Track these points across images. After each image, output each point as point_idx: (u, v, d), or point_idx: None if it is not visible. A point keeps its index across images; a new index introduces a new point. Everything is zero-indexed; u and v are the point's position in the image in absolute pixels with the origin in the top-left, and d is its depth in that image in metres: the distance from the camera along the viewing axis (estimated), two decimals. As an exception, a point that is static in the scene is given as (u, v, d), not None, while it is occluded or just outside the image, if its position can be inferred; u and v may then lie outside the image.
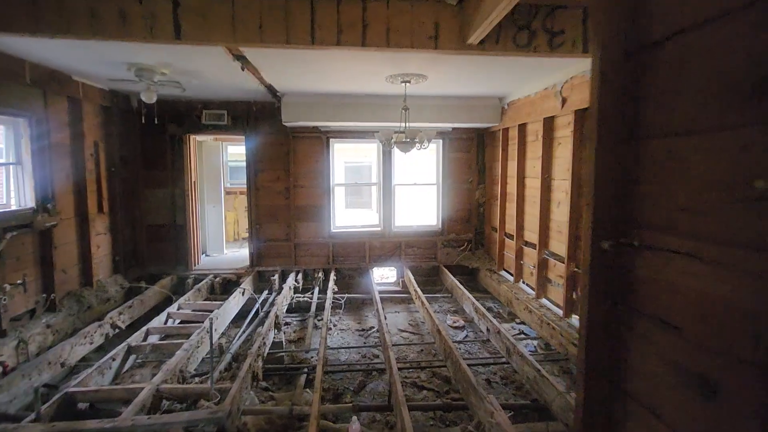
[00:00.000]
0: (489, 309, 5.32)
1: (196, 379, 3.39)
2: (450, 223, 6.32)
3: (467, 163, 6.27)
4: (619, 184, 0.97)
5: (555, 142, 4.21)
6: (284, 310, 4.73)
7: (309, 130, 5.77)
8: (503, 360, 3.77)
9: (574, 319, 4.00)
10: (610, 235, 1.01)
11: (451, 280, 5.61)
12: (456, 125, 5.79)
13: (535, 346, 4.23)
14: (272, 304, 4.69)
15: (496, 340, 3.96)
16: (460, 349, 4.21)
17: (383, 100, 5.20)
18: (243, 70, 3.65)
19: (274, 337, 3.93)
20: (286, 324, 4.77)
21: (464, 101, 5.38)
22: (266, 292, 5.31)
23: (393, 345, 4.14)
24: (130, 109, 5.04)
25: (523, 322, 4.71)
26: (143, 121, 4.86)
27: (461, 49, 2.69)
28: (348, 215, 11.94)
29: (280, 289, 5.16)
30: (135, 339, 3.55)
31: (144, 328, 3.74)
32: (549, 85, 4.09)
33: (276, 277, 5.48)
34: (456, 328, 4.80)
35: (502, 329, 3.83)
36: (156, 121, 5.17)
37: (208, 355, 3.73)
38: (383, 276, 7.01)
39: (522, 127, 4.90)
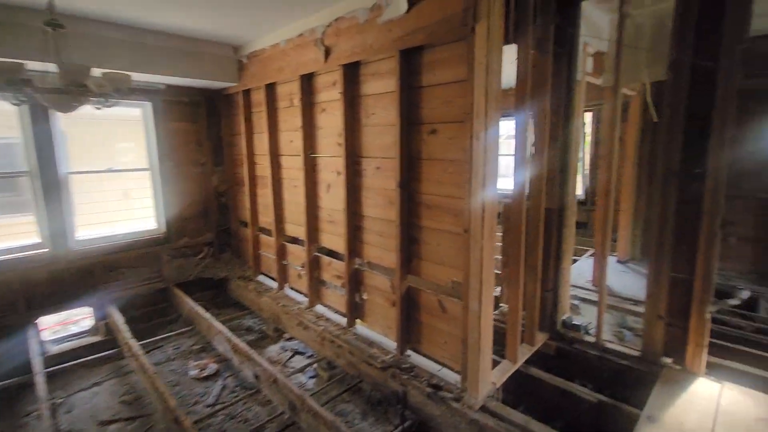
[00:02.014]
0: (249, 329, 4.03)
1: None
2: (180, 224, 4.46)
3: (196, 138, 4.52)
4: None
5: (317, 108, 3.24)
6: None
7: None
8: (286, 419, 2.63)
9: (360, 328, 3.29)
10: None
11: (190, 305, 3.91)
12: (172, 80, 3.93)
13: (315, 370, 3.31)
14: None
15: (272, 392, 2.75)
16: (218, 417, 2.76)
17: (10, 16, 2.77)
18: None
19: None
20: None
21: (183, 43, 3.61)
22: None
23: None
24: None
25: (292, 338, 3.71)
26: None
27: None
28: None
29: None
30: None
31: None
32: (306, 30, 3.03)
33: None
34: (205, 378, 3.26)
35: (279, 377, 2.65)
36: None
37: None
38: (68, 321, 4.40)
39: (271, 89, 3.69)
